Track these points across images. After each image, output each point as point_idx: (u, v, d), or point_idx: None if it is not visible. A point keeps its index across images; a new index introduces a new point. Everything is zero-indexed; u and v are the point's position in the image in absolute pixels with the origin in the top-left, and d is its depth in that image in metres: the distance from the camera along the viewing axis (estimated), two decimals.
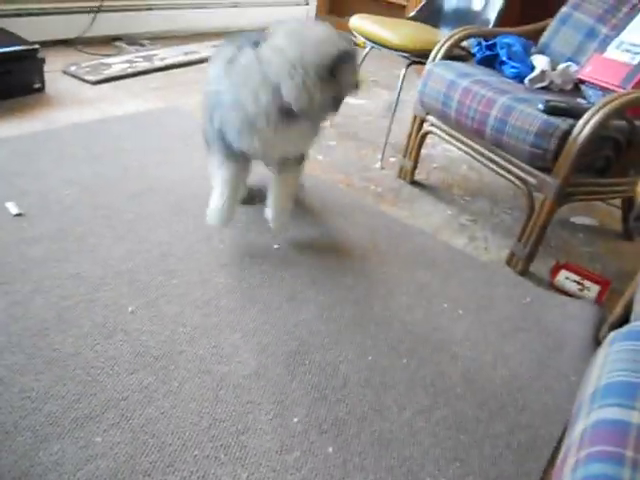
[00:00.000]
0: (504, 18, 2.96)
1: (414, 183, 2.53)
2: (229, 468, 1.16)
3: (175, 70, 3.43)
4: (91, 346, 1.40)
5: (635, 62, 2.02)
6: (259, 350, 1.47)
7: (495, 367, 1.57)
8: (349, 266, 1.87)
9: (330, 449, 1.24)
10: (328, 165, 2.55)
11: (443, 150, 2.91)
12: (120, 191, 2.04)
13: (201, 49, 3.81)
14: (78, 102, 2.76)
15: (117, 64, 3.31)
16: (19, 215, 1.81)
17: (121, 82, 3.11)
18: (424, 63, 2.36)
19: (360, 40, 2.77)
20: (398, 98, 2.62)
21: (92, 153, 2.28)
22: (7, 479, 1.08)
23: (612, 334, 0.87)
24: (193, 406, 1.28)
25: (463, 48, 2.50)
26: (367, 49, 2.87)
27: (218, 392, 1.33)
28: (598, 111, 1.74)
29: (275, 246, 1.89)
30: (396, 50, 2.53)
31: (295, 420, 1.29)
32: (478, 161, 2.14)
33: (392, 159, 2.70)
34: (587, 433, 0.65)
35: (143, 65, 3.37)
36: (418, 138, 2.41)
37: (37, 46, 2.77)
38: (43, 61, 2.80)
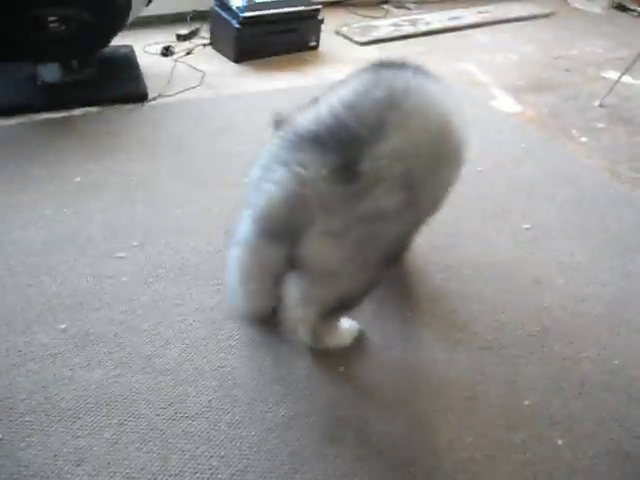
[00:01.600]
0: None
1: None
2: (454, 426, 1.20)
3: (439, 35, 3.43)
4: None
5: None
6: (493, 327, 1.46)
7: None
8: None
9: (560, 442, 1.20)
10: (592, 149, 2.33)
11: None
12: None
13: (466, 15, 3.73)
14: (347, 61, 2.95)
15: (384, 27, 3.44)
16: None
17: (386, 44, 3.23)
18: None
19: None
20: None
21: None
22: None
23: None
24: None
25: None
26: None
27: (451, 355, 1.37)
28: None
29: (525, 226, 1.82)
30: None
31: (526, 403, 1.27)
32: None
33: None
34: None
35: (408, 29, 3.44)
36: None
37: (320, 7, 3.02)
38: (322, 21, 3.04)
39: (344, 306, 1.25)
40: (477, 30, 3.56)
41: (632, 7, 4.16)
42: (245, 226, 1.15)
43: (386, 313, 1.47)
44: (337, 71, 2.80)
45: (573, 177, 2.08)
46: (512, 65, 3.12)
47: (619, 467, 1.16)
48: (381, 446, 1.16)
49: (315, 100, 1.15)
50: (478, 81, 2.88)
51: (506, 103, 2.66)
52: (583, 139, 2.40)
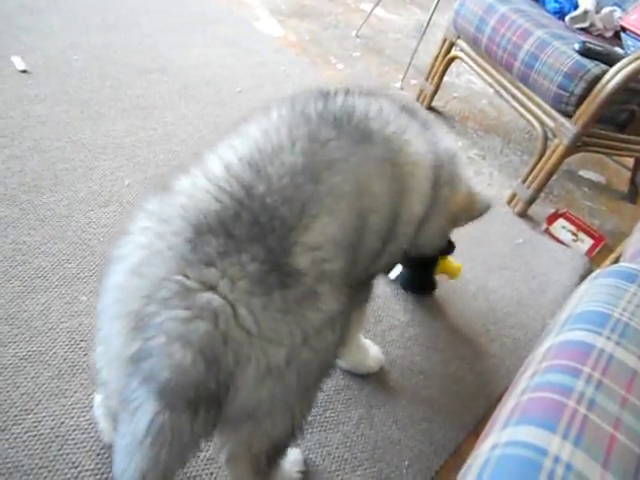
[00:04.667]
0: None
1: (431, 109, 2.46)
2: None
3: None
4: (85, 212, 1.41)
5: None
6: None
7: (476, 298, 1.61)
8: None
9: None
10: (347, 76, 2.47)
11: (467, 81, 2.82)
12: (131, 65, 1.99)
13: None
14: None
15: None
16: (24, 72, 1.77)
17: None
18: None
19: None
20: (431, 18, 2.50)
21: (106, 21, 2.19)
22: None
23: (597, 271, 0.89)
24: None
25: None
26: None
27: None
28: (633, 61, 1.67)
29: None
30: None
31: None
32: (500, 96, 2.08)
33: (413, 81, 2.61)
34: (552, 350, 0.67)
35: None
36: (444, 62, 2.32)
37: None
38: None
39: (282, 449, 0.88)
40: None
41: None
42: (137, 402, 0.64)
43: None
44: None
45: None
46: None
47: None
48: None
49: (198, 156, 0.77)
50: (243, 1, 2.81)
51: (270, 26, 2.65)
52: (340, 66, 2.53)
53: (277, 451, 0.85)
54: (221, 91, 1.99)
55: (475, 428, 1.24)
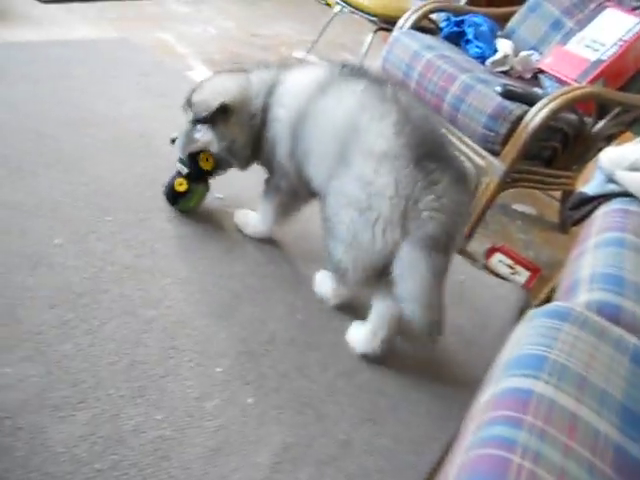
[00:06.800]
0: None
1: None
2: (142, 409, 1.14)
3: (137, 2, 3.24)
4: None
5: (594, 58, 2.06)
6: (189, 298, 1.44)
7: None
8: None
9: (250, 400, 1.24)
10: None
11: None
12: (57, 118, 1.92)
13: None
14: (24, 20, 2.57)
15: None
16: None
17: (74, 5, 2.90)
18: (391, 30, 2.33)
19: None
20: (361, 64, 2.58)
21: (31, 75, 2.13)
22: None
23: (532, 311, 0.90)
24: (112, 346, 1.25)
25: (432, 21, 2.48)
26: (337, 9, 2.80)
27: (141, 335, 1.29)
28: (552, 101, 1.77)
29: (218, 195, 1.84)
30: (365, 13, 2.48)
31: (218, 370, 1.28)
32: None
33: None
34: (493, 399, 0.67)
35: None
36: None
37: None
38: None
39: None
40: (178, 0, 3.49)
41: None
42: None
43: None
44: (11, 31, 2.43)
45: None
46: (211, 39, 3.14)
47: (301, 411, 1.26)
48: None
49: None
50: (176, 52, 2.82)
51: (203, 75, 2.65)
52: None
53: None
54: (150, 144, 1.96)
55: (430, 476, 1.21)
